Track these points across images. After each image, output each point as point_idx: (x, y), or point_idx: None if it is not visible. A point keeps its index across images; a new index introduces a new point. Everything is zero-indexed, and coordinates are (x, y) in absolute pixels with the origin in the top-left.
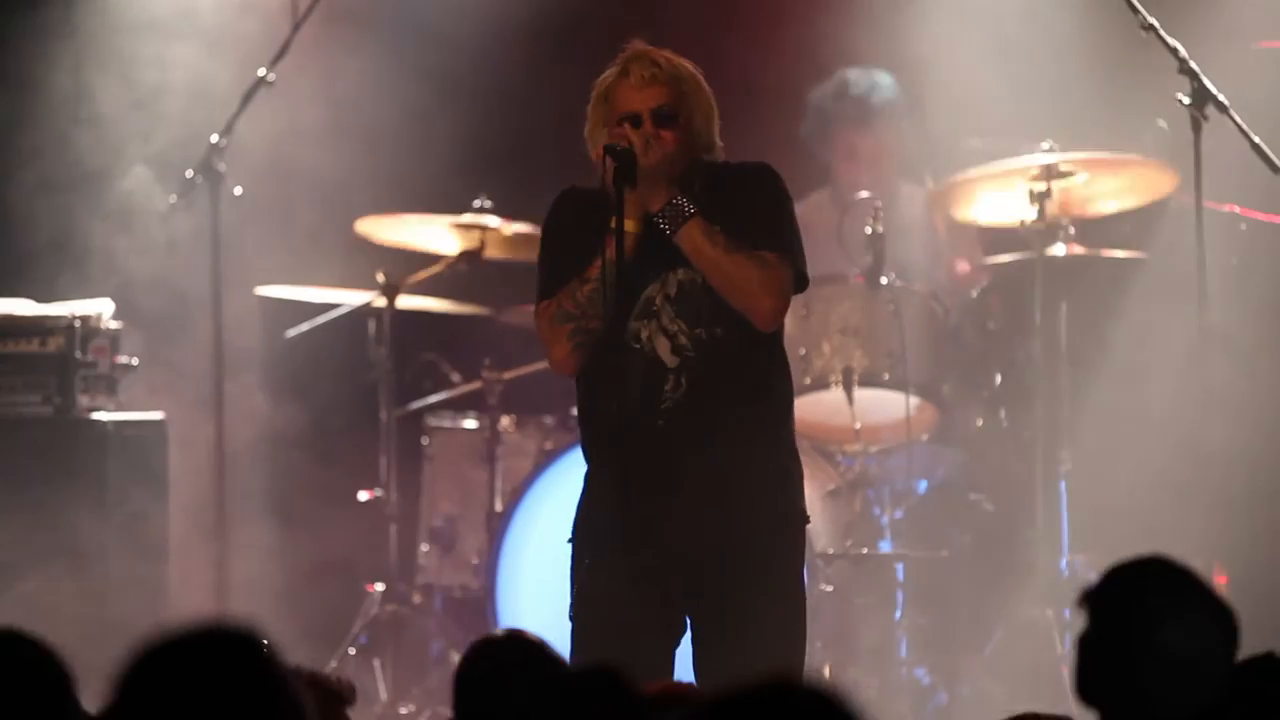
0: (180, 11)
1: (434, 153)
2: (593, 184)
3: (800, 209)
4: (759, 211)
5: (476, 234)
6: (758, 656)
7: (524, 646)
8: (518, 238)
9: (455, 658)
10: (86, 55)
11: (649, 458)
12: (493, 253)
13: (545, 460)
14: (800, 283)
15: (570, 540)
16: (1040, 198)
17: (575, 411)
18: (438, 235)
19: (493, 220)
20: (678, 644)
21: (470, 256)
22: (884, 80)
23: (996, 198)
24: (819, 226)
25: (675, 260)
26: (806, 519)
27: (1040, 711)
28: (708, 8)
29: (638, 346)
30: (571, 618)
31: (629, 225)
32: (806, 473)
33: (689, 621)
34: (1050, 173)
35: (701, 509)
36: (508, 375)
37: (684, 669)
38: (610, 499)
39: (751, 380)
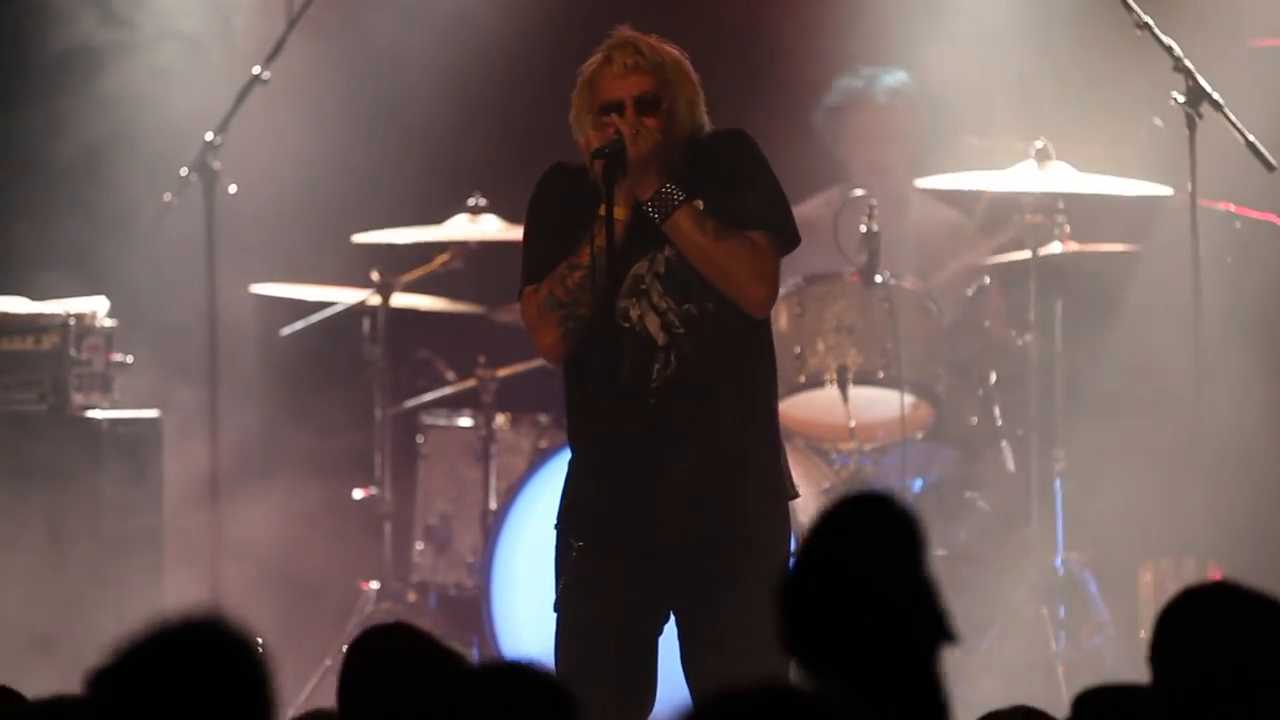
0: (176, 10)
1: (429, 150)
2: (579, 160)
3: (807, 208)
4: (740, 181)
5: (470, 233)
6: (745, 649)
7: (411, 638)
8: (511, 236)
9: None
10: (81, 53)
11: (640, 437)
12: (484, 256)
13: (540, 458)
14: (790, 243)
15: (556, 526)
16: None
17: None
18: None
19: (487, 219)
20: (661, 630)
21: (463, 251)
22: (903, 74)
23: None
24: (827, 225)
25: (664, 238)
26: (795, 494)
27: (1035, 708)
28: (708, 8)
29: (627, 325)
30: (557, 606)
31: (618, 213)
32: (801, 471)
33: (675, 617)
34: (1041, 197)
35: (692, 491)
36: (502, 373)
37: (668, 660)
38: (599, 481)
39: (740, 356)
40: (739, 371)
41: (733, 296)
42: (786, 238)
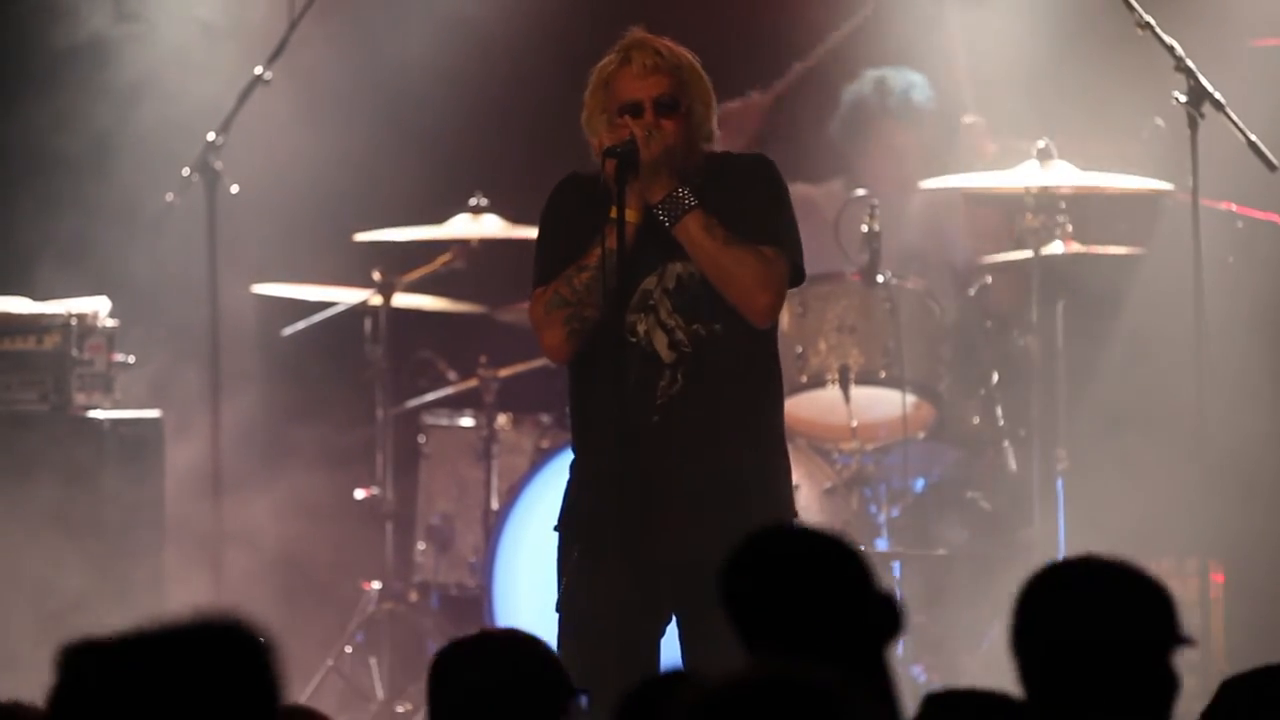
0: (177, 10)
1: (431, 150)
2: (593, 170)
3: (813, 191)
4: (757, 204)
5: (472, 233)
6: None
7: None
8: (513, 237)
9: None
10: (82, 54)
11: (643, 453)
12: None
13: (541, 458)
14: (797, 277)
15: (557, 529)
16: (1037, 196)
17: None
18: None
19: (489, 219)
20: (663, 631)
21: (465, 251)
22: (918, 79)
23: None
24: (829, 214)
25: (674, 252)
26: (795, 514)
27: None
28: (708, 6)
29: (634, 340)
30: (559, 609)
31: (629, 215)
32: (803, 471)
33: (677, 620)
34: (1042, 202)
35: (694, 506)
36: (504, 373)
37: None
38: (602, 492)
39: (747, 377)
40: (745, 393)
41: (736, 303)
42: (795, 263)
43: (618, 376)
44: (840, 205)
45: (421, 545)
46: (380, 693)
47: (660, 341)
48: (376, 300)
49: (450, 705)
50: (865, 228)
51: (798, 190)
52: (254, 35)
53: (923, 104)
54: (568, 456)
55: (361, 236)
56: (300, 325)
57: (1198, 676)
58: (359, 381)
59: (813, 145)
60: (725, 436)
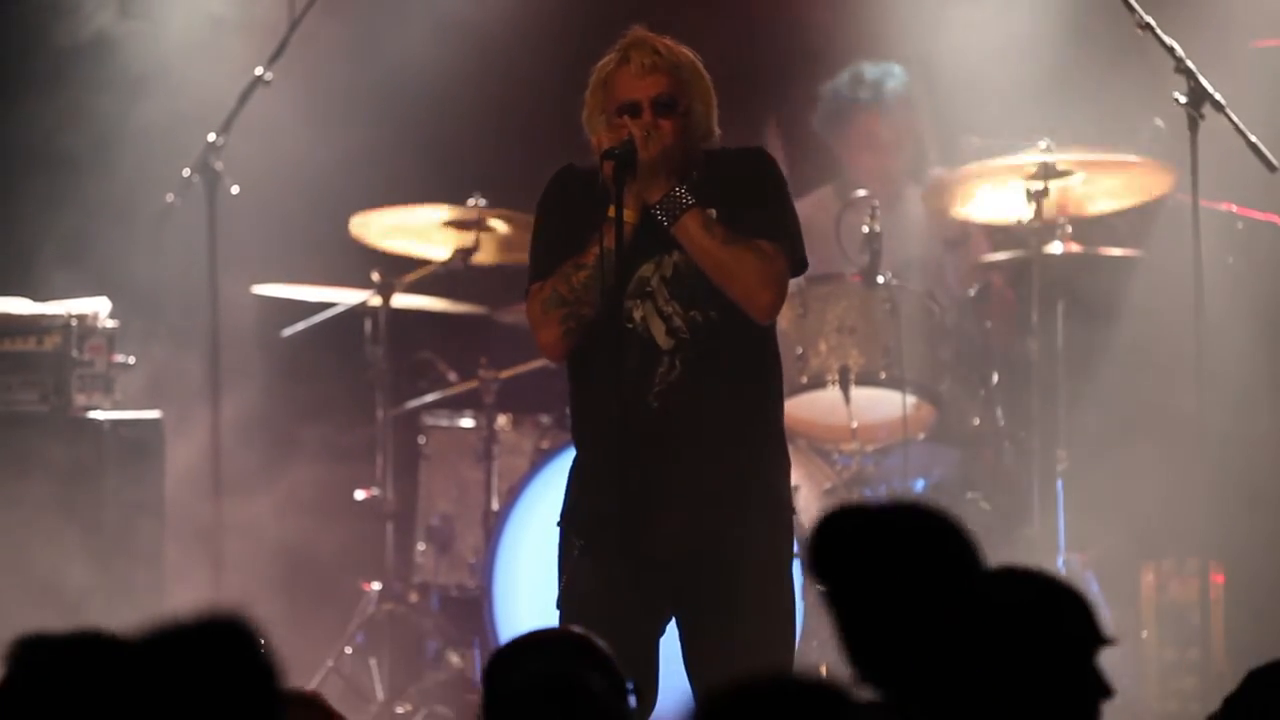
0: (182, 5)
1: (431, 151)
2: (590, 163)
3: (802, 206)
4: (755, 197)
5: (471, 233)
6: (748, 650)
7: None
8: (512, 237)
9: (452, 657)
10: (86, 52)
11: (641, 440)
12: (486, 257)
13: (542, 459)
14: (799, 267)
15: (559, 524)
16: (1037, 196)
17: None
18: (432, 233)
19: (489, 219)
20: (662, 632)
21: (465, 254)
22: (896, 69)
23: (993, 196)
24: (822, 224)
25: (671, 243)
26: (793, 510)
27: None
28: (708, 4)
29: (630, 326)
30: (559, 605)
31: (627, 216)
32: (804, 472)
33: (677, 618)
34: (1047, 171)
35: (693, 501)
36: (504, 374)
37: (670, 662)
38: (601, 482)
39: (746, 365)
40: (743, 381)
41: (739, 301)
42: (795, 259)
43: (615, 363)
44: (831, 210)
45: (421, 546)
46: (380, 693)
47: (658, 328)
48: (376, 301)
49: (506, 705)
50: (865, 229)
51: None
52: (259, 30)
53: (896, 91)
54: (568, 457)
55: (358, 221)
56: (300, 326)
57: (1198, 676)
58: (359, 382)
59: (801, 152)
60: (724, 423)
